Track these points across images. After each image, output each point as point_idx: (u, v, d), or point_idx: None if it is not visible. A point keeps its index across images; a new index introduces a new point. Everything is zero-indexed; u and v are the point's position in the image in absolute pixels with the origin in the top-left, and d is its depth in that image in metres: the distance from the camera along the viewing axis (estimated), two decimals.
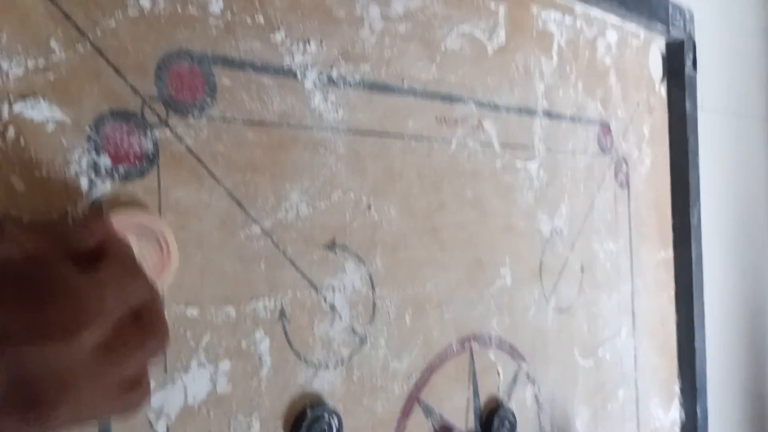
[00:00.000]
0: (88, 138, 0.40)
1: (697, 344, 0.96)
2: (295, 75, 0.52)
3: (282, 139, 0.51)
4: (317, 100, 0.53)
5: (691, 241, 0.97)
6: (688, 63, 0.98)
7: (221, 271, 0.47)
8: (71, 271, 0.33)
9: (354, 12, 0.56)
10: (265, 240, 0.50)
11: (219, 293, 0.47)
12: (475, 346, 0.66)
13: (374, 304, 0.57)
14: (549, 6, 0.77)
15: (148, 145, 0.43)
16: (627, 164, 0.89)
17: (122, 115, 0.42)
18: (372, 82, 0.57)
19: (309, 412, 0.51)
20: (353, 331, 0.55)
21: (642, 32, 0.94)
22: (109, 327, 0.33)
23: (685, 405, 0.97)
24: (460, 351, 0.64)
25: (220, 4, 0.47)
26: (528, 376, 0.72)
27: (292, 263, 0.51)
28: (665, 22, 0.94)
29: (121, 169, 0.42)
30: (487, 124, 0.68)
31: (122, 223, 0.40)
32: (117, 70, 0.42)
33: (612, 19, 0.87)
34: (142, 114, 0.43)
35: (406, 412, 0.59)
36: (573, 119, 0.80)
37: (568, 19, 0.80)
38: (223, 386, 0.47)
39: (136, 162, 0.43)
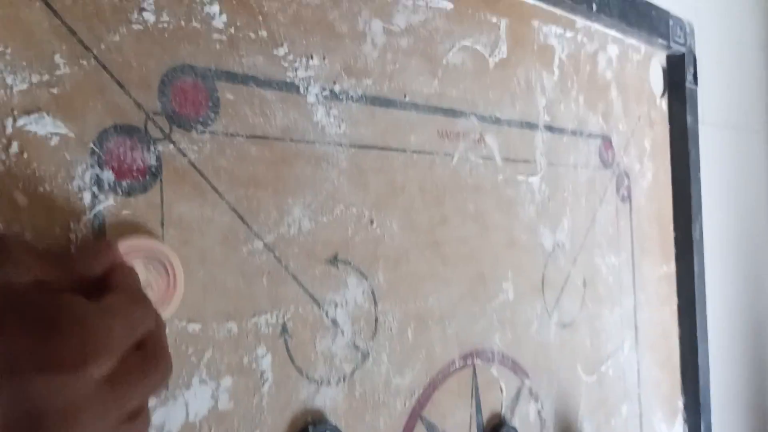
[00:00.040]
0: (92, 153, 0.40)
1: (700, 359, 0.96)
2: (298, 89, 0.52)
3: (285, 153, 0.51)
4: (320, 114, 0.53)
5: (693, 255, 0.97)
6: (689, 77, 0.99)
7: (223, 287, 0.47)
8: (79, 300, 0.33)
9: (356, 27, 0.56)
10: (268, 255, 0.49)
11: (221, 309, 0.46)
12: (477, 361, 0.66)
13: (376, 319, 0.57)
14: (550, 20, 0.77)
15: (152, 160, 0.43)
16: (628, 178, 0.89)
17: (126, 130, 0.42)
18: (374, 97, 0.57)
19: (311, 429, 0.51)
20: (355, 346, 0.55)
21: (643, 46, 0.94)
22: (116, 360, 0.33)
23: (689, 420, 0.97)
24: (463, 366, 0.64)
25: (224, 18, 0.47)
26: (531, 392, 0.71)
27: (294, 278, 0.51)
28: (666, 36, 0.94)
29: (125, 184, 0.42)
30: (489, 138, 0.68)
31: (128, 250, 0.40)
32: (121, 85, 0.42)
33: (613, 33, 0.87)
34: (146, 129, 0.43)
35: (408, 429, 0.58)
36: (574, 133, 0.80)
37: (569, 34, 0.80)
38: (224, 403, 0.46)
39: (140, 177, 0.42)
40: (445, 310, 0.63)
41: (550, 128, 0.76)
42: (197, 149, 0.45)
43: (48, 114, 0.39)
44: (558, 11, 0.78)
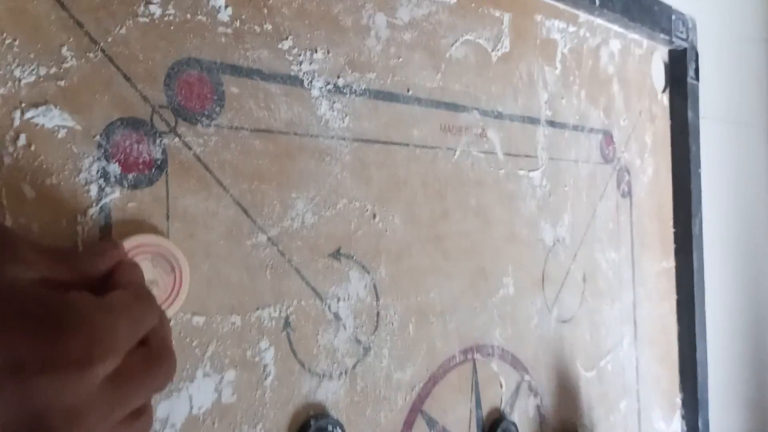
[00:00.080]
0: (99, 145, 0.40)
1: (698, 355, 0.96)
2: (302, 83, 0.52)
3: (289, 147, 0.51)
4: (324, 108, 0.53)
5: (693, 251, 0.97)
6: (691, 72, 0.99)
7: (227, 280, 0.47)
8: (84, 297, 0.33)
9: (360, 21, 0.56)
10: (271, 249, 0.49)
11: (225, 302, 0.47)
12: (477, 356, 0.66)
13: (378, 314, 0.57)
14: (553, 15, 0.77)
15: (157, 153, 0.43)
16: (629, 173, 0.90)
17: (132, 123, 0.42)
18: (377, 91, 0.57)
19: (313, 423, 0.51)
20: (357, 340, 0.55)
21: (645, 41, 0.94)
22: (120, 359, 0.33)
23: (687, 416, 0.97)
24: (463, 361, 0.64)
25: (229, 12, 0.47)
26: (530, 387, 0.72)
27: (298, 272, 0.51)
28: (668, 31, 0.94)
29: (131, 176, 0.42)
30: (491, 133, 0.68)
31: (135, 247, 0.40)
32: (127, 78, 0.42)
33: (615, 28, 0.87)
34: (152, 122, 0.43)
35: (408, 424, 0.59)
36: (576, 128, 0.80)
37: (571, 28, 0.80)
38: (228, 396, 0.47)
39: (145, 170, 0.43)
40: (446, 304, 0.63)
41: (551, 123, 0.76)
42: (202, 142, 0.45)
43: (55, 107, 0.39)
44: (561, 5, 0.78)
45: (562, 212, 0.77)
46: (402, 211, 0.59)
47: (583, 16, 0.81)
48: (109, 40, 0.41)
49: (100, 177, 0.40)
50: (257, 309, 0.48)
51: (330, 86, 0.53)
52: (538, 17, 0.75)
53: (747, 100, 1.30)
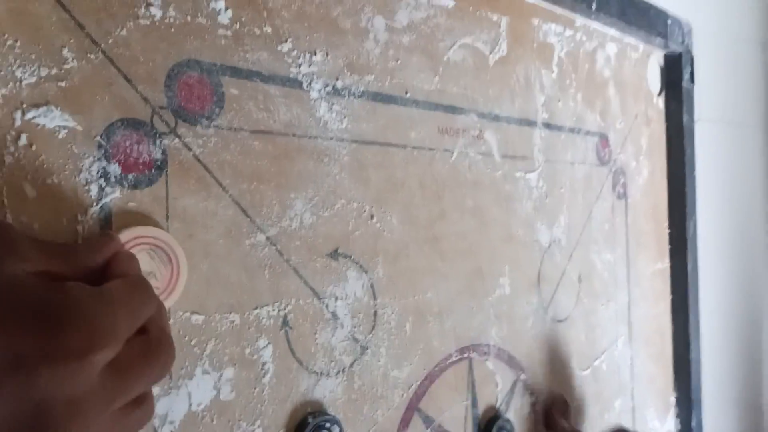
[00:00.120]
0: (99, 146, 0.41)
1: (692, 355, 0.97)
2: (301, 85, 0.52)
3: (287, 148, 0.51)
4: (322, 110, 0.54)
5: (687, 252, 0.98)
6: (686, 76, 0.99)
7: (226, 280, 0.47)
8: (81, 288, 0.33)
9: (359, 24, 0.57)
10: (270, 248, 0.50)
11: (224, 301, 0.47)
12: (474, 355, 0.66)
13: (375, 313, 0.57)
14: (550, 19, 0.78)
15: (157, 154, 0.44)
16: (625, 175, 0.90)
17: (132, 124, 0.42)
18: (376, 93, 0.58)
19: (310, 420, 0.51)
20: (355, 339, 0.56)
21: (641, 45, 0.95)
22: (119, 348, 0.33)
23: (681, 415, 0.98)
24: (459, 360, 0.65)
25: (229, 14, 0.48)
26: (526, 386, 0.72)
27: (296, 272, 0.52)
28: (664, 35, 0.95)
29: (131, 177, 0.42)
30: (488, 135, 0.69)
31: (132, 239, 0.41)
32: (128, 80, 0.42)
33: (612, 31, 0.88)
34: (152, 123, 0.43)
35: (405, 422, 0.59)
36: (572, 130, 0.81)
37: (568, 32, 0.80)
38: (226, 393, 0.47)
39: (145, 170, 0.43)
40: (443, 304, 0.63)
41: (548, 125, 0.77)
42: (202, 143, 0.46)
43: (56, 107, 0.39)
44: (558, 10, 0.78)
45: (558, 213, 0.78)
46: (399, 212, 0.60)
47: (579, 20, 0.82)
48: (110, 41, 0.42)
49: (101, 177, 0.41)
50: (256, 308, 0.49)
51: (329, 88, 0.54)
52: (535, 21, 0.75)
53: (743, 102, 1.30)
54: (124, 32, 0.42)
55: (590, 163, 0.84)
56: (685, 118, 0.98)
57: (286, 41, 0.51)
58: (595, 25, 0.85)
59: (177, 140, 0.45)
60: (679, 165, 0.98)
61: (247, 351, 0.48)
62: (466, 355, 0.66)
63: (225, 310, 0.47)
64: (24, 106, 0.38)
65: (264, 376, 0.49)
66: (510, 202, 0.71)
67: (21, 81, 0.38)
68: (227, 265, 0.47)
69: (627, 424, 0.88)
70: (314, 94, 0.53)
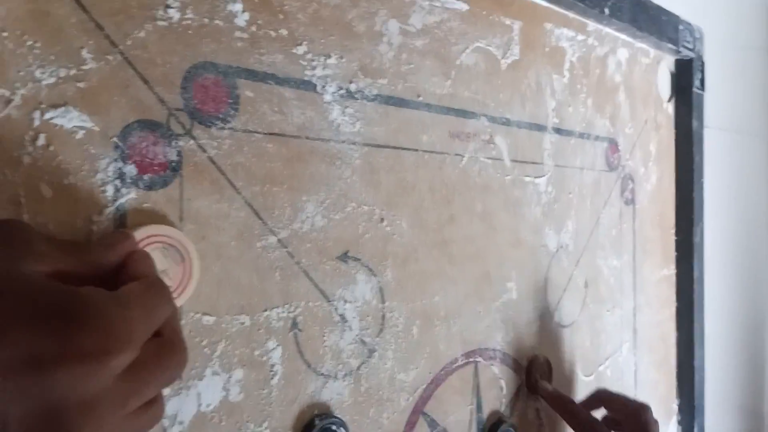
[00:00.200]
0: (116, 147, 0.41)
1: (696, 362, 0.97)
2: (315, 88, 0.52)
3: (300, 151, 0.51)
4: (336, 113, 0.54)
5: (694, 259, 0.98)
6: (696, 82, 0.99)
7: (237, 281, 0.47)
8: (99, 292, 0.33)
9: (374, 27, 0.57)
10: (281, 251, 0.50)
11: (235, 303, 0.47)
12: (479, 359, 0.67)
13: (383, 316, 0.57)
14: (562, 23, 0.78)
15: (173, 155, 0.44)
16: (633, 181, 0.90)
17: (149, 125, 0.43)
18: (388, 96, 0.58)
19: (317, 422, 0.52)
20: (362, 342, 0.56)
21: (652, 50, 0.95)
22: (137, 352, 0.34)
23: (683, 422, 0.98)
24: (465, 364, 0.65)
25: (246, 17, 0.48)
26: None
27: (306, 274, 0.52)
28: (675, 41, 0.95)
29: (146, 178, 0.42)
30: (498, 139, 0.69)
31: (145, 237, 0.41)
32: (145, 81, 0.42)
33: (623, 37, 0.88)
34: (168, 124, 0.44)
35: (410, 425, 0.60)
36: (582, 136, 0.81)
37: (580, 37, 0.80)
38: (235, 395, 0.47)
39: (161, 171, 0.43)
40: (451, 308, 0.64)
41: (558, 130, 0.77)
42: (216, 145, 0.46)
43: (74, 108, 0.39)
44: (571, 14, 0.78)
45: (566, 219, 0.78)
46: (409, 216, 0.60)
47: (592, 25, 0.82)
48: (128, 43, 0.42)
49: (117, 178, 0.41)
50: (266, 310, 0.49)
51: (342, 91, 0.54)
52: (548, 26, 0.75)
53: (750, 110, 1.30)
54: (142, 34, 0.42)
55: (599, 169, 0.84)
56: (694, 124, 0.98)
57: (301, 44, 0.51)
58: (607, 30, 0.85)
59: (192, 142, 0.45)
60: (688, 171, 0.98)
61: (257, 353, 0.49)
62: (471, 360, 0.66)
63: (236, 311, 0.47)
64: (43, 106, 0.38)
65: (272, 378, 0.50)
66: (519, 207, 0.71)
67: (40, 81, 0.38)
68: (239, 266, 0.47)
69: None
70: (328, 97, 0.53)
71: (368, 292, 0.56)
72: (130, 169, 0.42)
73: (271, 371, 0.50)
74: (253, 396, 0.48)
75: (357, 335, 0.55)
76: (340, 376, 0.54)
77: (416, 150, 0.60)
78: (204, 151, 0.45)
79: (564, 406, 0.70)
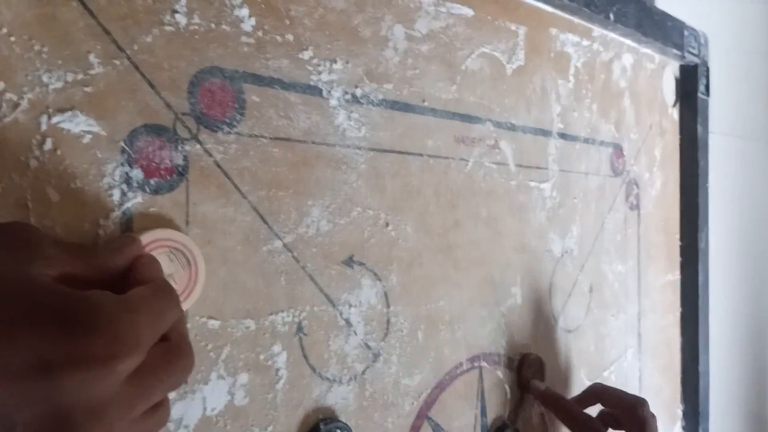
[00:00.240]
0: (122, 151, 0.41)
1: (701, 367, 0.97)
2: (321, 93, 0.52)
3: (306, 155, 0.51)
4: (341, 117, 0.54)
5: (698, 264, 0.98)
6: (701, 87, 0.99)
7: (243, 286, 0.47)
8: (107, 296, 0.33)
9: (380, 32, 0.57)
10: (286, 255, 0.50)
11: (240, 307, 0.47)
12: (484, 364, 0.67)
13: (388, 321, 0.57)
14: (567, 29, 0.78)
15: (179, 160, 0.44)
16: (638, 186, 0.90)
17: (155, 130, 0.43)
18: (394, 101, 0.58)
19: (322, 427, 0.52)
20: (367, 346, 0.56)
21: (657, 56, 0.95)
22: (144, 356, 0.34)
23: (687, 428, 0.98)
24: (470, 369, 0.65)
25: (252, 21, 0.48)
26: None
27: (311, 278, 0.52)
28: (680, 46, 0.95)
29: (152, 182, 0.43)
30: (504, 144, 0.69)
31: (151, 241, 0.41)
32: (152, 86, 0.43)
33: (628, 42, 0.88)
34: (174, 129, 0.44)
35: (415, 429, 0.59)
36: (587, 141, 0.81)
37: (585, 42, 0.80)
38: (240, 399, 0.47)
39: (167, 176, 0.43)
40: (455, 313, 0.64)
41: (563, 135, 0.77)
42: (223, 150, 0.46)
43: (81, 112, 0.40)
44: (576, 19, 0.78)
45: (571, 224, 0.78)
46: (414, 220, 0.60)
47: (597, 30, 0.82)
48: (135, 47, 0.42)
49: (123, 182, 0.41)
50: (271, 314, 0.49)
51: (348, 96, 0.54)
52: (553, 31, 0.75)
53: (755, 115, 1.30)
54: (149, 39, 0.43)
55: (604, 174, 0.84)
56: (699, 129, 0.98)
57: (307, 49, 0.51)
58: (612, 35, 0.85)
59: (198, 146, 0.45)
60: (692, 177, 0.98)
61: (262, 357, 0.49)
62: (476, 364, 0.66)
63: (241, 315, 0.47)
64: (50, 110, 0.38)
65: (277, 382, 0.50)
66: (523, 212, 0.71)
67: (48, 86, 0.38)
68: (244, 271, 0.48)
69: None
70: (333, 102, 0.53)
71: (373, 297, 0.56)
72: (137, 173, 0.42)
73: (276, 375, 0.50)
74: (258, 400, 0.48)
75: (362, 340, 0.55)
76: (344, 380, 0.54)
77: (421, 155, 0.60)
78: (210, 155, 0.45)
79: (557, 404, 0.69)
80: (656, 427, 0.67)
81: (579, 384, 0.78)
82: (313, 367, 0.52)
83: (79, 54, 0.40)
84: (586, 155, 0.80)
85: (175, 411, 0.44)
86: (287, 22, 0.50)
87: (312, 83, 0.52)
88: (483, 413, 0.66)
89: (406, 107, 0.59)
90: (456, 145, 0.64)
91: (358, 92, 0.55)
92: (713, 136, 1.06)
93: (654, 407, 0.71)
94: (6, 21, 0.37)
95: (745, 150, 1.25)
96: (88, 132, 0.40)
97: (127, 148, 0.41)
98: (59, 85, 0.39)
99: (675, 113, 0.99)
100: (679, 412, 0.98)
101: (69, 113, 0.39)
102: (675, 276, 0.98)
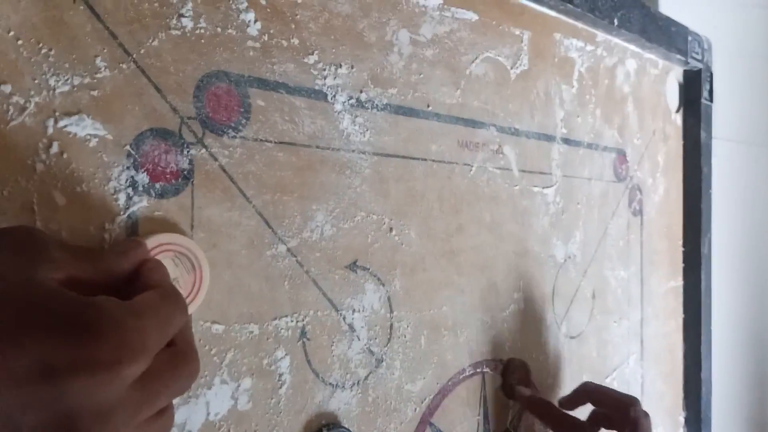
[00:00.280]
0: (128, 155, 0.41)
1: (703, 374, 0.97)
2: (326, 97, 0.52)
3: (311, 160, 0.51)
4: (346, 122, 0.54)
5: (701, 271, 0.97)
6: (705, 93, 0.99)
7: (247, 290, 0.47)
8: (113, 301, 0.33)
9: (385, 37, 0.57)
10: (290, 259, 0.50)
11: (244, 311, 0.47)
12: (486, 370, 0.66)
13: (391, 326, 0.57)
14: (571, 34, 0.78)
15: (184, 164, 0.44)
16: (641, 192, 0.90)
17: (161, 134, 0.43)
18: (398, 106, 0.58)
19: None
20: (370, 352, 0.56)
21: (660, 61, 0.95)
22: (150, 361, 0.34)
23: None
24: (472, 375, 0.65)
25: (258, 26, 0.48)
26: None
27: (315, 283, 0.52)
28: (684, 52, 0.95)
29: (158, 186, 0.43)
30: (507, 149, 0.69)
31: (157, 245, 0.41)
32: (158, 90, 0.43)
33: (632, 47, 0.88)
34: (180, 133, 0.44)
35: None
36: (590, 146, 0.81)
37: (589, 47, 0.80)
38: (243, 404, 0.47)
39: (172, 179, 0.43)
40: (458, 318, 0.63)
41: (566, 140, 0.77)
42: (228, 154, 0.46)
43: (88, 116, 0.40)
44: (580, 25, 0.79)
45: (574, 229, 0.78)
46: (418, 225, 0.60)
47: (601, 35, 0.82)
48: (142, 51, 0.42)
49: (129, 186, 0.41)
50: (275, 318, 0.49)
51: (353, 101, 0.54)
52: (557, 36, 0.76)
53: (758, 121, 1.30)
54: (155, 43, 0.43)
55: (607, 180, 0.84)
56: (702, 135, 0.98)
57: (312, 53, 0.51)
58: (616, 40, 0.85)
59: (204, 150, 0.45)
60: (695, 182, 0.98)
61: (265, 362, 0.49)
62: (479, 370, 0.66)
63: (245, 320, 0.47)
64: (57, 114, 0.38)
65: (281, 387, 0.49)
66: (527, 217, 0.71)
67: (54, 89, 0.38)
68: (249, 275, 0.47)
69: None
70: (338, 107, 0.53)
71: (376, 302, 0.56)
72: (143, 177, 0.42)
73: (280, 380, 0.49)
74: (261, 405, 0.48)
75: (365, 345, 0.55)
76: (347, 385, 0.54)
77: (425, 159, 0.60)
78: (215, 159, 0.45)
79: (543, 410, 0.67)
80: (649, 426, 0.65)
81: None
82: (316, 372, 0.52)
83: (86, 58, 0.40)
84: (589, 160, 0.80)
85: (179, 416, 0.44)
86: (293, 26, 0.50)
87: (317, 88, 0.52)
88: (485, 419, 0.66)
89: (410, 112, 0.59)
90: (460, 150, 0.64)
91: (363, 97, 0.55)
92: (716, 142, 1.06)
93: (656, 414, 0.71)
94: (13, 24, 0.37)
95: (749, 155, 1.25)
96: (95, 136, 0.40)
97: (133, 152, 0.41)
98: (66, 88, 0.39)
99: (678, 119, 0.99)
100: (682, 419, 0.97)
101: (76, 117, 0.39)
102: (678, 282, 0.98)
